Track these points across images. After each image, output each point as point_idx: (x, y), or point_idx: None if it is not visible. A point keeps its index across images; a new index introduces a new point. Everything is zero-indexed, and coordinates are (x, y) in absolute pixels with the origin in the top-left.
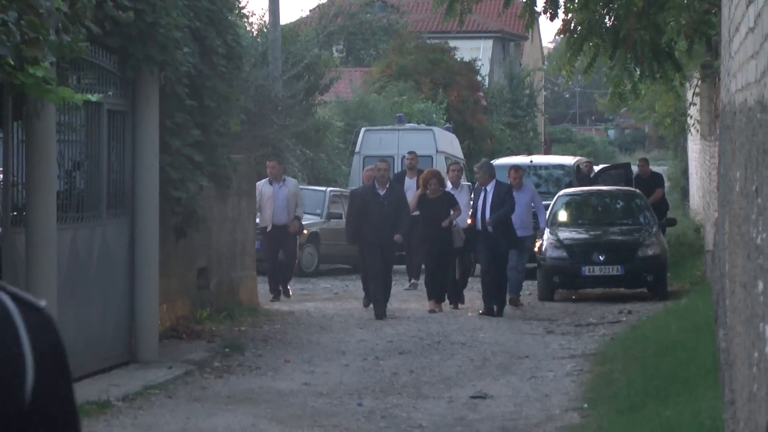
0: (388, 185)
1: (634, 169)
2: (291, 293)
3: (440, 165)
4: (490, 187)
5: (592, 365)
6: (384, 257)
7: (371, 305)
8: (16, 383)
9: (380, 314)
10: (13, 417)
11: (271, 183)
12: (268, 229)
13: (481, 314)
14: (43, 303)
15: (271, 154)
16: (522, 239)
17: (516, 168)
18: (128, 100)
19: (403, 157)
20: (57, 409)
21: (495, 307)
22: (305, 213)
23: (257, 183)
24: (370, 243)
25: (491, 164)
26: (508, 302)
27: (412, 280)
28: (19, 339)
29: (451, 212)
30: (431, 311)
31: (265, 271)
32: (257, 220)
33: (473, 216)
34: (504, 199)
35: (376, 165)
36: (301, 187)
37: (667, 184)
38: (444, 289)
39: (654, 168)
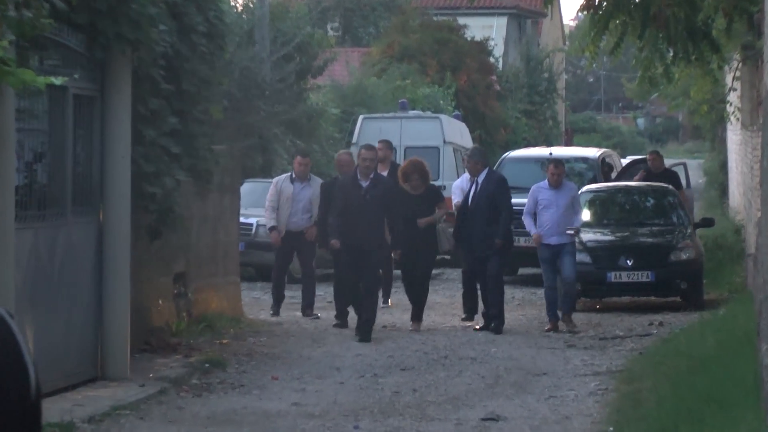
0: (372, 176)
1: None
2: (314, 313)
3: (448, 157)
4: (481, 178)
5: (619, 383)
6: (366, 266)
7: (355, 327)
8: (23, 383)
9: (365, 337)
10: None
11: (292, 181)
12: (282, 233)
13: (467, 326)
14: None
15: (258, 144)
16: (561, 247)
17: (557, 163)
18: (97, 84)
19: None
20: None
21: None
22: None
23: (276, 179)
24: (347, 248)
25: (483, 151)
26: (561, 320)
27: (386, 303)
28: (17, 341)
29: (436, 210)
30: (413, 330)
31: (271, 281)
32: (267, 221)
33: (459, 212)
34: (493, 193)
35: (360, 152)
36: None
37: (701, 180)
38: (420, 303)
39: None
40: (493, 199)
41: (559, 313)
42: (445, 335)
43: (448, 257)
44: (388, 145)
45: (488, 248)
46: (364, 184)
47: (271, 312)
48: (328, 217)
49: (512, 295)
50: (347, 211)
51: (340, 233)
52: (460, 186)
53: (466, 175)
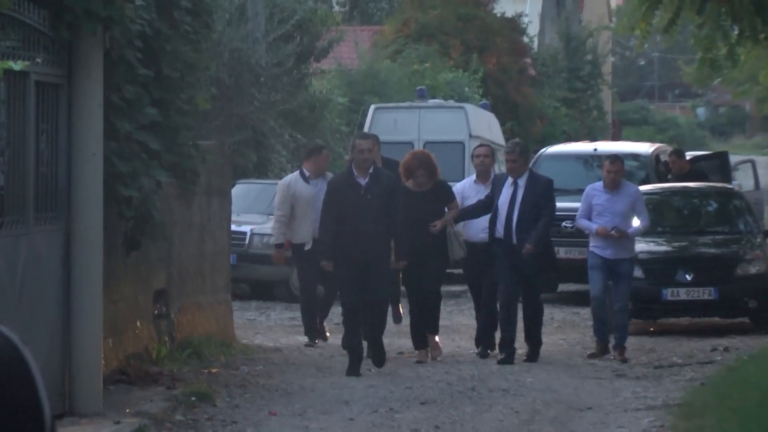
0: (371, 171)
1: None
2: (328, 334)
3: None
4: (522, 181)
5: (677, 419)
6: (372, 281)
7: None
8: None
9: (379, 361)
10: None
11: (307, 180)
12: (307, 247)
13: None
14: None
15: (251, 139)
16: (617, 265)
17: (613, 159)
18: (63, 69)
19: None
20: None
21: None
22: None
23: (284, 181)
24: (346, 263)
25: (526, 146)
26: (614, 355)
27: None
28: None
29: (446, 210)
30: (418, 362)
31: (300, 305)
32: (276, 236)
33: (493, 220)
34: (541, 199)
35: (355, 143)
36: None
37: None
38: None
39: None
40: (539, 207)
41: (610, 340)
42: (471, 363)
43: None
44: (374, 141)
45: (534, 266)
46: (363, 181)
47: (307, 341)
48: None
49: (551, 315)
50: (343, 216)
51: (337, 246)
52: (461, 191)
53: (471, 178)
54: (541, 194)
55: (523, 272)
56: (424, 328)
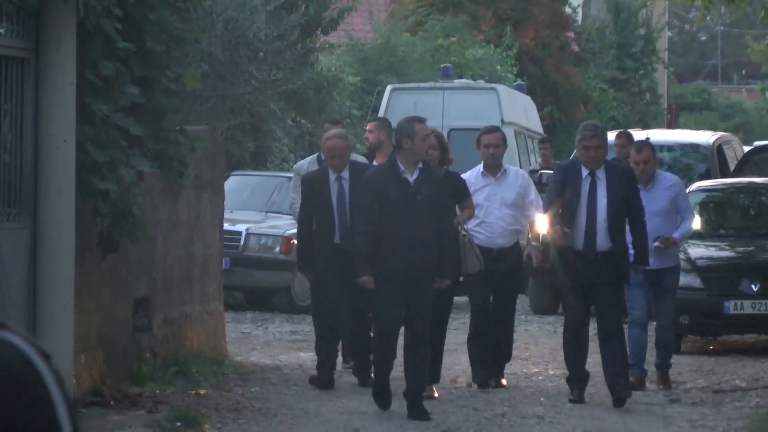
0: (421, 166)
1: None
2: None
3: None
4: (601, 173)
5: None
6: (416, 303)
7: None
8: None
9: (417, 413)
10: None
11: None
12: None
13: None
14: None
15: (248, 124)
16: (659, 276)
17: (640, 146)
18: (30, 42)
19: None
20: None
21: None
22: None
23: (300, 164)
24: (387, 276)
25: (605, 130)
26: (656, 380)
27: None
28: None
29: (458, 211)
30: (426, 397)
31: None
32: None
33: (566, 224)
34: (632, 197)
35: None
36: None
37: None
38: (437, 358)
39: None
40: (628, 206)
41: (650, 366)
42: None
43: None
44: (382, 125)
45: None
46: (411, 177)
47: (345, 364)
48: (311, 223)
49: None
50: (387, 218)
51: (374, 255)
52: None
53: (478, 169)
54: (628, 190)
55: (601, 293)
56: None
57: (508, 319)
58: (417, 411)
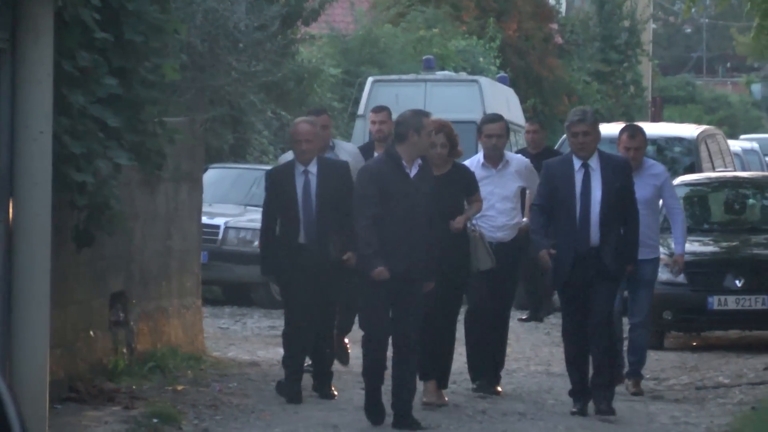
0: (420, 161)
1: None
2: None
3: None
4: (595, 162)
5: None
6: (407, 306)
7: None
8: None
9: (404, 424)
10: None
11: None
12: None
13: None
14: None
15: (228, 116)
16: (637, 267)
17: (633, 131)
18: (6, 32)
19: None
20: None
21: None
22: None
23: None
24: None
25: (596, 116)
26: (626, 385)
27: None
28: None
29: (466, 206)
30: (427, 404)
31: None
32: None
33: (534, 218)
34: (623, 188)
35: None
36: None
37: None
38: (446, 362)
39: None
40: (623, 199)
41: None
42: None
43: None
44: (387, 115)
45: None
46: (411, 172)
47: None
48: (274, 221)
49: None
50: (388, 215)
51: (281, 252)
52: None
53: (478, 158)
54: (623, 181)
55: (595, 291)
56: (440, 357)
57: (504, 321)
58: (405, 421)
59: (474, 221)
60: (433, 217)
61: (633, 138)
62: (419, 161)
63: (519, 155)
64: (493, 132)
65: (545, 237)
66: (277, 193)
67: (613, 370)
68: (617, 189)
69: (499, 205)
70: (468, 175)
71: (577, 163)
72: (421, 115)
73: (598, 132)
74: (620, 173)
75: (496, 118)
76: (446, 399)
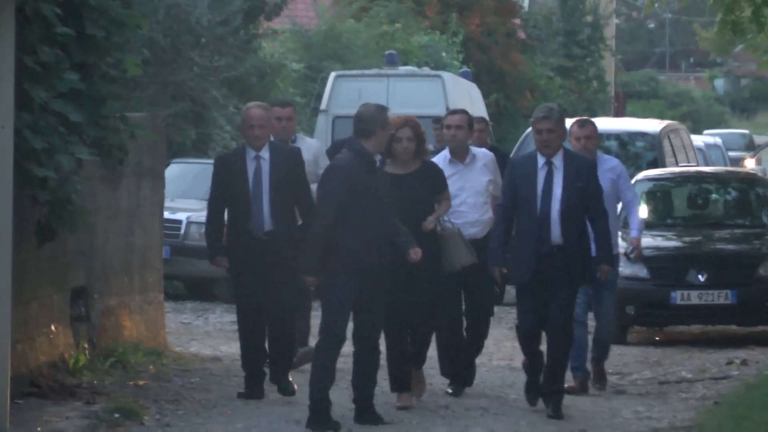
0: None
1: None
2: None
3: None
4: (558, 161)
5: None
6: (375, 301)
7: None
8: None
9: (367, 418)
10: None
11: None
12: None
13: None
14: None
15: (190, 111)
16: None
17: (583, 122)
18: None
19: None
20: None
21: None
22: None
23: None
24: (345, 270)
25: (563, 113)
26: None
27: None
28: None
29: (436, 205)
30: (401, 407)
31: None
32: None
33: (500, 218)
34: (588, 188)
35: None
36: None
37: None
38: (417, 360)
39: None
40: (587, 199)
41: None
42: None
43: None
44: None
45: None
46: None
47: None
48: (221, 209)
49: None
50: (360, 210)
51: (228, 241)
52: None
53: (445, 154)
54: (587, 180)
55: (555, 291)
56: (407, 364)
57: (484, 322)
58: (368, 416)
59: (446, 219)
60: (389, 214)
61: (582, 127)
62: (379, 157)
63: (483, 149)
64: (452, 122)
65: (501, 250)
66: (227, 180)
67: (564, 376)
68: (580, 188)
69: (471, 200)
70: (437, 173)
71: (540, 161)
72: (385, 110)
73: (563, 130)
74: (584, 172)
75: (458, 111)
76: (413, 402)
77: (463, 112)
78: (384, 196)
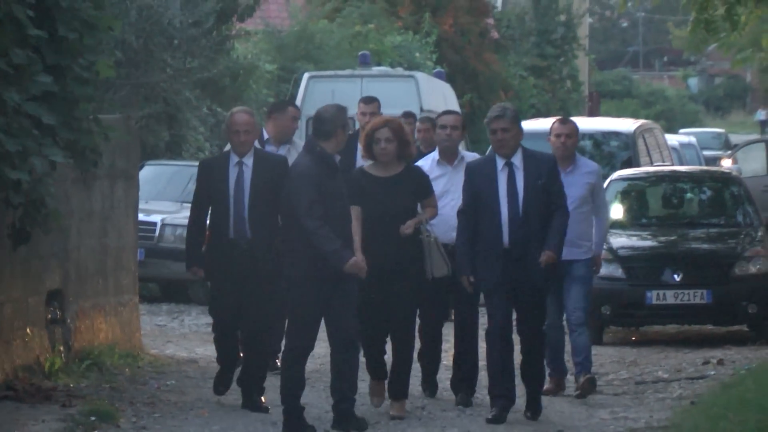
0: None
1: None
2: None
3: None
4: (518, 160)
5: None
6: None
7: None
8: None
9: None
10: None
11: (265, 145)
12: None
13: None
14: None
15: (163, 113)
16: (569, 267)
17: (562, 122)
18: None
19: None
20: None
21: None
22: None
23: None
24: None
25: (516, 112)
26: (579, 388)
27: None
28: None
29: (419, 210)
30: (395, 417)
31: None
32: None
33: (485, 222)
34: (549, 185)
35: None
36: None
37: None
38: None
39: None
40: (549, 196)
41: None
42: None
43: None
44: (377, 106)
45: (546, 280)
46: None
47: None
48: (203, 214)
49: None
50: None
51: (208, 248)
52: None
53: (433, 156)
54: (547, 177)
55: (525, 292)
56: (383, 370)
57: (472, 329)
58: (347, 423)
59: (428, 226)
60: (384, 222)
61: (564, 124)
62: (338, 157)
63: (473, 153)
64: (446, 123)
65: (469, 257)
66: (209, 184)
67: (542, 379)
68: (542, 185)
69: (455, 203)
70: (421, 178)
71: (500, 163)
72: (344, 110)
73: (519, 129)
74: (545, 168)
75: (452, 111)
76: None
77: (457, 113)
78: (344, 198)
